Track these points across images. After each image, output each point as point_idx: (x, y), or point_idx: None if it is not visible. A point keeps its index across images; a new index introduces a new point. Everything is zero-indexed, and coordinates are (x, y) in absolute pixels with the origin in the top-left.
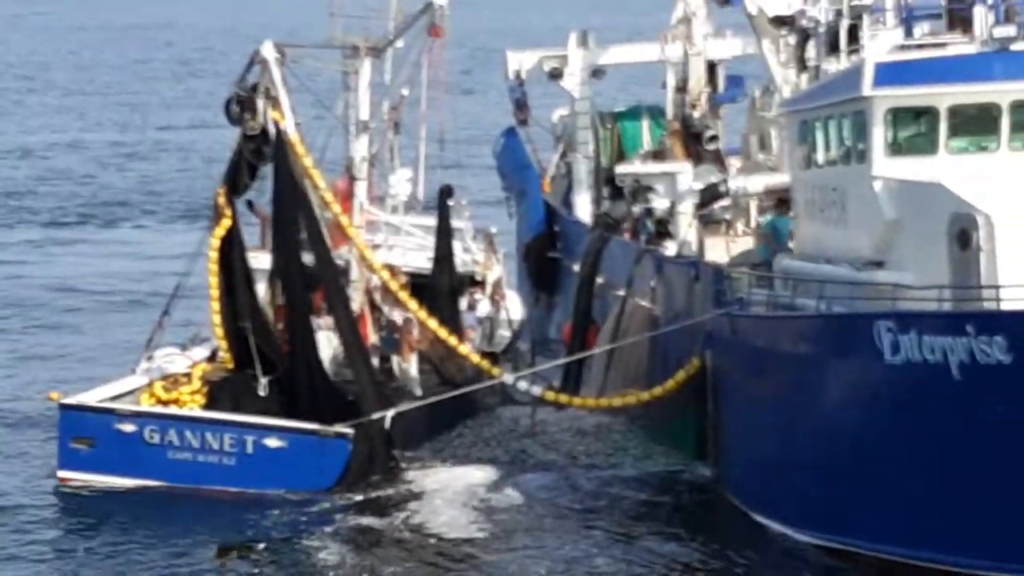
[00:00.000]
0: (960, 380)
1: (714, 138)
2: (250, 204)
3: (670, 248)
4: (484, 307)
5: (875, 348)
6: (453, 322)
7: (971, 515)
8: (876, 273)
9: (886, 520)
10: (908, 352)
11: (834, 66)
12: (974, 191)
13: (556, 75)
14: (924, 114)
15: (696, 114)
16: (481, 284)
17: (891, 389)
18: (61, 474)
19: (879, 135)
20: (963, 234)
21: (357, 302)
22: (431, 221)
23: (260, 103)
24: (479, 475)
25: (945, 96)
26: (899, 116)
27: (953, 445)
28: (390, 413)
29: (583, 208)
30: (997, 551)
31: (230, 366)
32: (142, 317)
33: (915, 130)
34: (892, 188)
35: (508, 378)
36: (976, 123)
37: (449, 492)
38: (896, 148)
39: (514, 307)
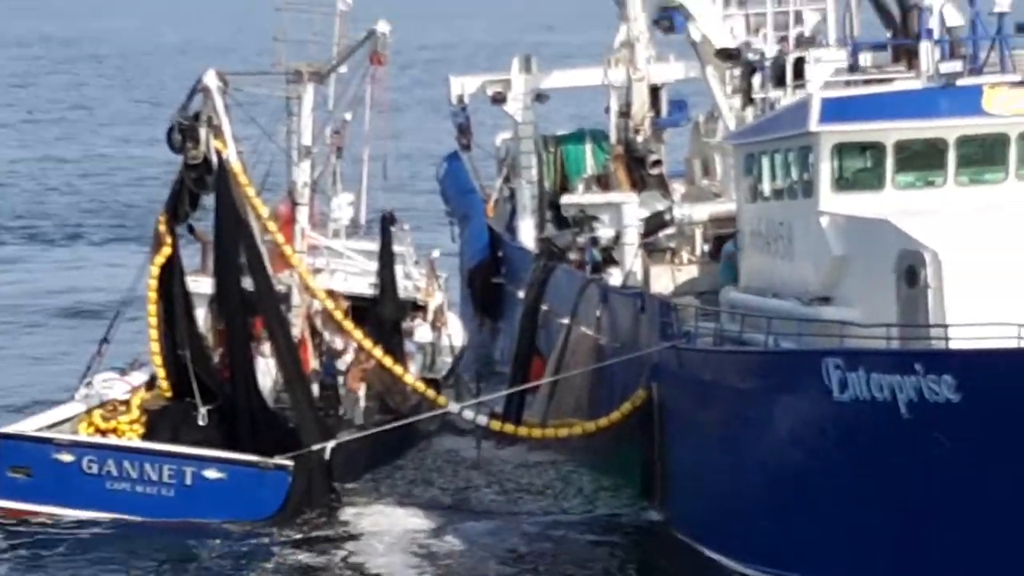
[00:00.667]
0: (909, 418)
1: (657, 163)
2: (191, 228)
3: (615, 276)
4: (425, 333)
5: (823, 385)
6: (398, 350)
7: (919, 551)
8: (823, 309)
9: (834, 555)
10: (856, 390)
11: (781, 99)
12: (921, 228)
13: (499, 99)
14: (870, 149)
15: (639, 138)
16: (422, 309)
17: (839, 426)
18: None
19: (825, 170)
20: (911, 271)
21: (298, 328)
22: (373, 246)
23: (203, 132)
24: (420, 515)
25: (892, 132)
26: (845, 151)
27: (901, 483)
28: (330, 445)
29: (527, 233)
30: None
31: (168, 394)
32: (82, 336)
33: (861, 165)
34: (839, 224)
35: (454, 407)
36: (923, 158)
37: (389, 534)
38: (843, 183)
39: (455, 333)
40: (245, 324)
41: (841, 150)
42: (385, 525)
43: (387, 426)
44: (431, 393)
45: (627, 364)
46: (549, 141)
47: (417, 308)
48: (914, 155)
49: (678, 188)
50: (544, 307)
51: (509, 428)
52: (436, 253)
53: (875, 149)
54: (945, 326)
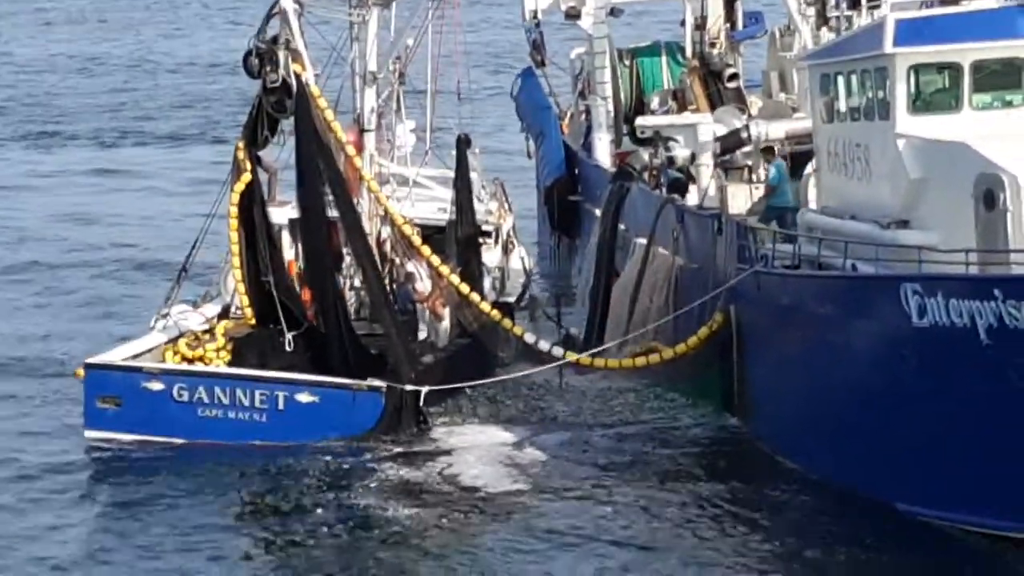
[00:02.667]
0: (988, 344)
1: (734, 76)
2: (257, 158)
3: (692, 196)
4: (494, 256)
5: (902, 310)
6: (476, 273)
7: (999, 478)
8: (901, 233)
9: (913, 482)
10: (935, 315)
11: (856, 20)
12: (1000, 151)
13: (573, 15)
14: (947, 70)
15: (715, 52)
16: (491, 234)
17: (918, 352)
18: (88, 434)
19: (901, 92)
20: (989, 195)
21: None
22: (439, 172)
23: (281, 55)
24: (505, 431)
25: (968, 52)
26: (921, 73)
27: (981, 409)
28: (424, 390)
29: (603, 150)
30: None
31: (252, 322)
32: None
33: (938, 86)
34: (916, 147)
35: (530, 338)
36: (1000, 78)
37: (479, 448)
38: (919, 105)
39: (525, 256)
40: (330, 248)
41: (917, 71)
42: (473, 441)
43: (467, 349)
44: (507, 323)
45: (705, 287)
46: (624, 55)
47: (484, 233)
48: (991, 75)
49: (755, 101)
50: (622, 225)
51: (585, 360)
52: (504, 178)
53: (952, 70)
54: None
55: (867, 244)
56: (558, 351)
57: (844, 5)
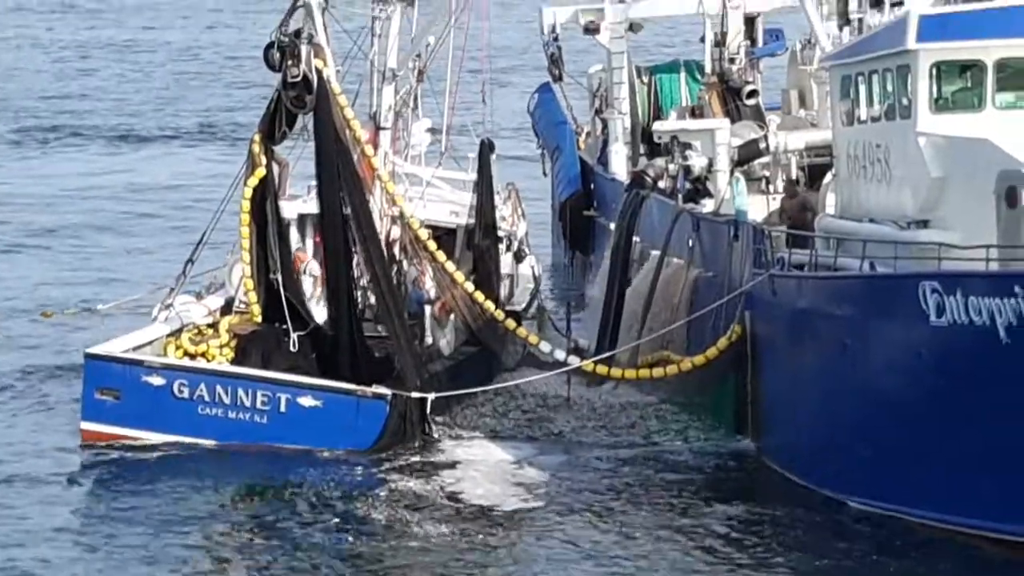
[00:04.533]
0: (1007, 343)
1: (753, 93)
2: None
3: (708, 206)
4: (506, 263)
5: (920, 310)
6: (493, 280)
7: (1018, 478)
8: (921, 232)
9: (933, 486)
10: (954, 314)
11: (877, 19)
12: (1022, 148)
13: (592, 29)
14: (970, 68)
15: (734, 68)
16: (503, 240)
17: (936, 352)
18: (84, 426)
19: (924, 90)
20: (1011, 192)
21: None
22: (455, 174)
23: (304, 49)
24: (512, 447)
25: (993, 50)
26: (944, 70)
27: (1001, 409)
28: (431, 397)
29: (619, 165)
30: None
31: (258, 319)
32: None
33: (961, 85)
34: (938, 145)
35: (545, 347)
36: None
37: (485, 464)
38: (941, 104)
39: (535, 264)
40: (346, 247)
41: (940, 69)
42: (479, 456)
43: (477, 359)
44: (522, 331)
45: (720, 295)
46: (642, 72)
47: (498, 238)
48: (1016, 74)
49: (774, 119)
50: (636, 239)
51: (602, 370)
52: (518, 184)
53: (975, 68)
54: None
55: (885, 243)
56: (573, 360)
57: (867, 4)
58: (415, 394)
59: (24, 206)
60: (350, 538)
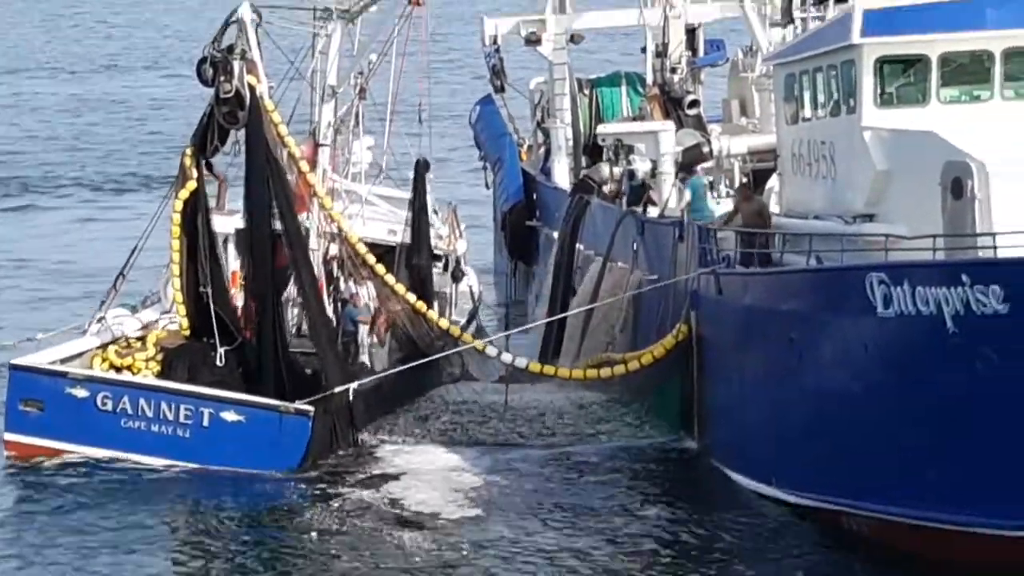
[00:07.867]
0: (954, 331)
1: (695, 103)
2: (209, 165)
3: (652, 211)
4: (443, 283)
5: (867, 302)
6: (429, 298)
7: (968, 471)
8: (866, 226)
9: (881, 478)
10: (901, 304)
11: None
12: (967, 140)
13: (533, 41)
14: (915, 63)
15: (676, 79)
16: (441, 259)
17: (883, 344)
18: (8, 437)
19: (868, 85)
20: (957, 183)
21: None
22: (392, 192)
23: (236, 66)
24: (451, 454)
25: (937, 44)
26: (888, 65)
27: (949, 399)
28: (353, 386)
29: (561, 175)
30: (996, 507)
31: (186, 333)
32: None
33: (905, 80)
34: (883, 138)
35: (492, 351)
36: (968, 72)
37: (422, 472)
38: (886, 99)
39: (473, 283)
40: (274, 264)
41: (884, 64)
42: (416, 464)
43: (405, 366)
44: (467, 337)
45: (665, 297)
46: (584, 85)
47: (435, 257)
48: (959, 68)
49: (715, 129)
50: (579, 245)
51: (549, 369)
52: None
53: (919, 62)
54: (992, 234)
55: (832, 236)
56: (521, 362)
57: (810, 2)
58: (337, 388)
59: None
60: (285, 550)
